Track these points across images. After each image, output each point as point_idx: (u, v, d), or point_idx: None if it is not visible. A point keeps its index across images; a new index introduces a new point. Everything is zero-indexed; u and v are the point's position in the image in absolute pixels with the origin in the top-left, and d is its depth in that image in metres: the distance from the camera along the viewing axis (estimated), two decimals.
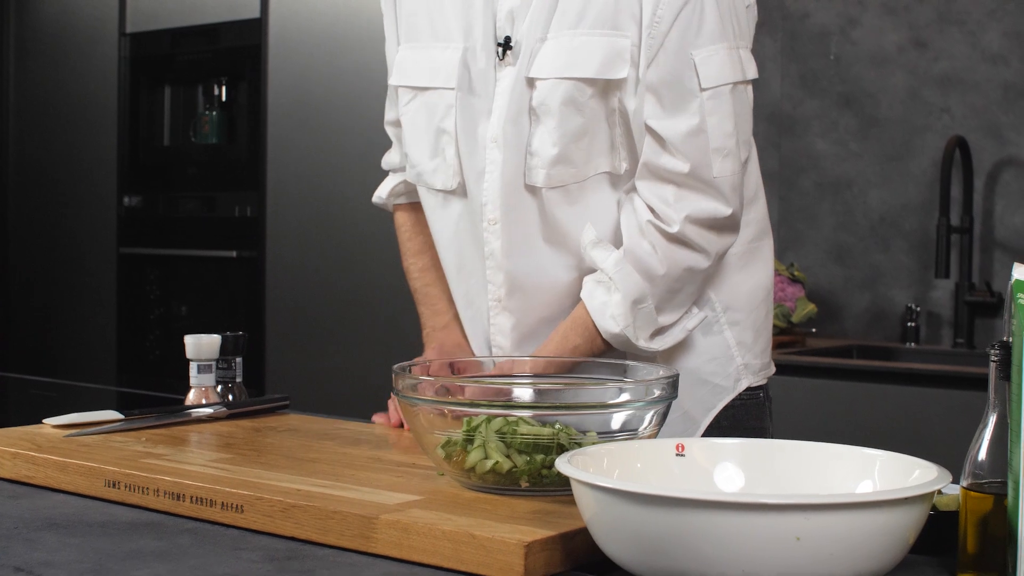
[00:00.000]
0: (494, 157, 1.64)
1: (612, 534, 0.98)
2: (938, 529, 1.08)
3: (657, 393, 1.26)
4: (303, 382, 3.87)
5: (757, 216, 1.75)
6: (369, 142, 3.73)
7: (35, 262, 4.73)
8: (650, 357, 1.64)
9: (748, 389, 1.74)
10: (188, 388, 1.74)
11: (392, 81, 1.79)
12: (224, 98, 4.22)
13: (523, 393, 1.32)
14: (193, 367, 1.73)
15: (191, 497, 1.24)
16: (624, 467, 1.13)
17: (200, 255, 4.18)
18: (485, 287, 1.69)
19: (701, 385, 1.70)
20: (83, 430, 1.54)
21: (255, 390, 3.80)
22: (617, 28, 1.57)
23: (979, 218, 3.46)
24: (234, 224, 4.09)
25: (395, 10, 1.78)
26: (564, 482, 1.10)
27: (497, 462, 1.21)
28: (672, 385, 1.29)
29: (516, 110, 1.62)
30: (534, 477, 1.21)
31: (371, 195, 1.92)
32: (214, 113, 4.22)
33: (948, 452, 1.57)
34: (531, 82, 1.61)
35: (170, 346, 4.28)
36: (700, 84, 1.58)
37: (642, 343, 1.62)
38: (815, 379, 3.08)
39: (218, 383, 1.76)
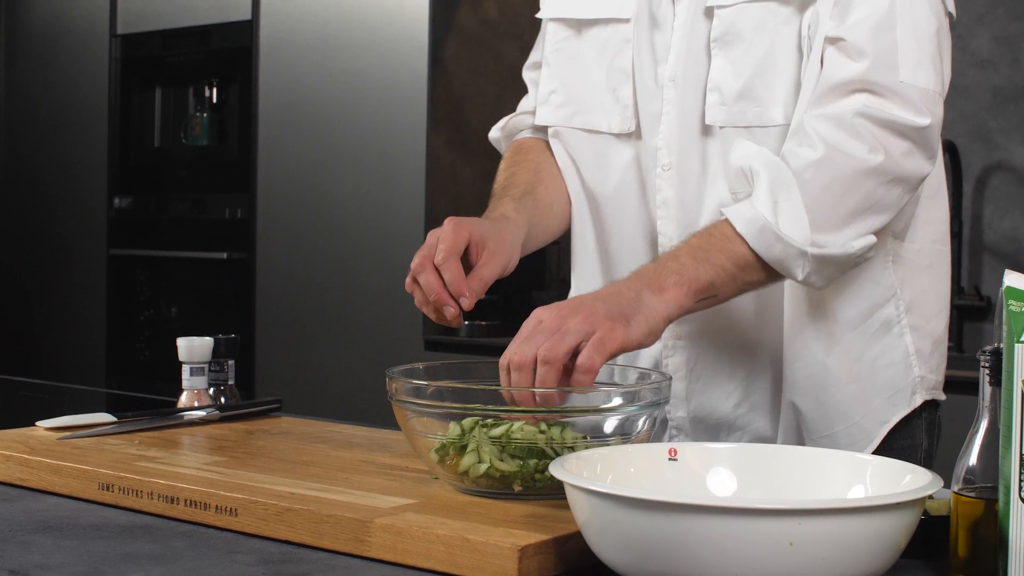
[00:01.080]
0: (671, 97, 1.52)
1: (605, 538, 0.99)
2: (929, 534, 1.09)
3: (649, 397, 1.27)
4: (293, 384, 3.87)
5: (940, 215, 1.56)
6: (360, 144, 3.74)
7: (25, 263, 4.72)
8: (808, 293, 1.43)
9: (926, 407, 1.55)
10: (179, 390, 1.73)
11: (545, 14, 1.66)
12: (215, 100, 4.22)
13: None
14: (186, 370, 1.73)
15: (185, 500, 1.25)
16: (617, 471, 1.14)
17: (190, 257, 4.18)
18: (648, 242, 1.55)
19: (876, 394, 1.51)
20: (76, 432, 1.54)
21: (245, 392, 3.80)
22: None
23: (968, 223, 3.47)
24: (224, 226, 4.09)
25: None
26: (557, 486, 1.10)
27: (490, 466, 1.22)
28: (663, 389, 1.29)
29: (694, 45, 1.50)
30: (527, 481, 1.22)
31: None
32: (205, 115, 4.22)
33: (937, 455, 1.58)
34: (709, 12, 1.48)
35: (160, 348, 4.28)
36: None
37: (787, 231, 1.34)
38: None
39: (210, 385, 1.76)
